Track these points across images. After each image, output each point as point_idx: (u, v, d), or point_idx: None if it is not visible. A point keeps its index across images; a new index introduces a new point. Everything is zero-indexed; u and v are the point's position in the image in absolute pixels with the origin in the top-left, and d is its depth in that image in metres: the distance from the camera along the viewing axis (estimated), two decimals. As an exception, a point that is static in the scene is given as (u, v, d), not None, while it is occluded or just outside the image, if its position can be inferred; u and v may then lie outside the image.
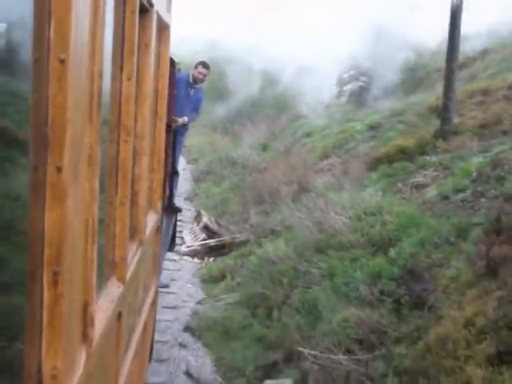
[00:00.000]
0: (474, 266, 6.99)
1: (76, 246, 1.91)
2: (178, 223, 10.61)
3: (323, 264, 8.72)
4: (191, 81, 9.73)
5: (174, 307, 9.65)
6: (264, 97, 25.30)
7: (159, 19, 4.10)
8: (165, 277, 10.06)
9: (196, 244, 12.96)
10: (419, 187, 10.23)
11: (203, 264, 12.15)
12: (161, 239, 5.74)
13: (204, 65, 9.70)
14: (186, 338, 8.72)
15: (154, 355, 6.89)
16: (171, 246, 8.46)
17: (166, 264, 10.07)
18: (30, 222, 1.66)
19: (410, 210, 8.95)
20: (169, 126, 5.89)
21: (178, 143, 8.35)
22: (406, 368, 6.31)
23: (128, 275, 3.18)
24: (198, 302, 9.95)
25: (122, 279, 3.05)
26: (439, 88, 14.88)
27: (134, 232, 3.64)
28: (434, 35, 19.02)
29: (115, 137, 2.97)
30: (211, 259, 12.30)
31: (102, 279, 2.69)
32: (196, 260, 12.41)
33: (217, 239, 12.91)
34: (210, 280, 10.96)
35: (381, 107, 17.91)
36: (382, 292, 7.58)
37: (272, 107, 24.56)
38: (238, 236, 12.64)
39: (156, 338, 7.03)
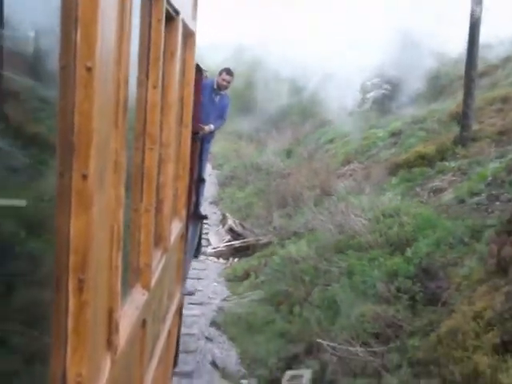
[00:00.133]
0: (485, 264, 7.35)
1: (101, 253, 1.89)
2: (204, 226, 11.05)
3: (343, 263, 9.15)
4: (215, 87, 10.01)
5: (201, 303, 10.16)
6: (289, 104, 25.72)
7: (185, 27, 4.10)
8: (190, 279, 10.31)
9: (221, 245, 13.50)
10: (437, 191, 10.60)
11: (228, 264, 12.67)
12: (186, 246, 5.74)
13: (228, 72, 9.68)
14: (212, 331, 9.22)
15: (182, 346, 7.34)
16: (197, 252, 8.43)
17: (192, 263, 10.52)
18: (56, 228, 1.65)
19: (426, 212, 9.33)
20: (195, 133, 5.93)
21: (204, 150, 8.34)
22: (419, 359, 6.71)
23: (153, 282, 3.16)
24: (224, 299, 10.45)
25: (146, 286, 3.03)
26: (460, 96, 15.15)
27: (159, 239, 3.62)
28: (458, 44, 19.29)
29: (141, 144, 2.98)
30: (236, 260, 12.81)
31: (127, 286, 2.66)
32: (221, 260, 12.94)
33: (241, 241, 13.42)
34: (235, 279, 11.46)
35: (404, 114, 18.24)
36: (398, 289, 7.97)
37: (297, 114, 24.97)
38: (261, 238, 13.13)
39: (183, 331, 7.49)
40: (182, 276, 5.48)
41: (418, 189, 11.10)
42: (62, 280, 1.64)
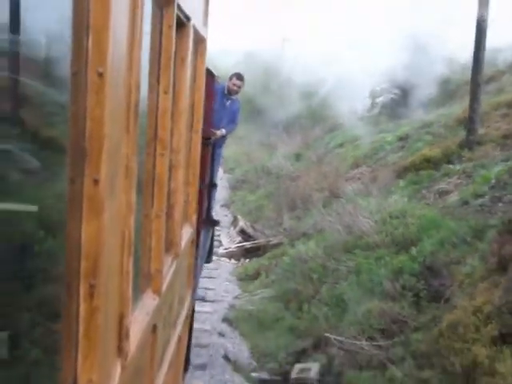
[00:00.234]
0: (487, 263, 7.66)
1: (112, 258, 1.89)
2: (216, 227, 11.29)
3: (350, 262, 9.49)
4: (226, 92, 10.19)
5: (213, 301, 10.53)
6: (300, 108, 26.05)
7: (196, 33, 4.10)
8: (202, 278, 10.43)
9: (233, 246, 13.88)
10: (442, 193, 10.91)
11: (239, 264, 13.04)
12: (198, 251, 5.70)
13: (238, 76, 9.74)
14: (224, 327, 9.59)
15: (195, 341, 7.68)
16: (208, 258, 8.36)
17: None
18: (67, 234, 1.65)
19: (431, 213, 9.65)
20: (207, 138, 5.94)
21: (216, 155, 8.33)
22: (422, 352, 7.04)
23: (163, 288, 3.15)
24: (235, 297, 10.82)
25: (157, 292, 3.03)
26: (468, 100, 15.44)
27: (170, 245, 3.61)
28: (466, 49, 19.56)
29: (151, 150, 2.98)
30: (247, 260, 13.19)
31: (138, 291, 2.65)
32: (233, 261, 13.32)
33: (252, 242, 13.79)
34: (246, 278, 11.84)
35: (413, 119, 18.52)
36: (403, 287, 8.30)
37: (307, 118, 25.29)
38: (271, 239, 13.50)
39: (196, 326, 7.82)
40: (193, 281, 5.47)
41: (424, 191, 11.42)
42: (73, 285, 1.65)
